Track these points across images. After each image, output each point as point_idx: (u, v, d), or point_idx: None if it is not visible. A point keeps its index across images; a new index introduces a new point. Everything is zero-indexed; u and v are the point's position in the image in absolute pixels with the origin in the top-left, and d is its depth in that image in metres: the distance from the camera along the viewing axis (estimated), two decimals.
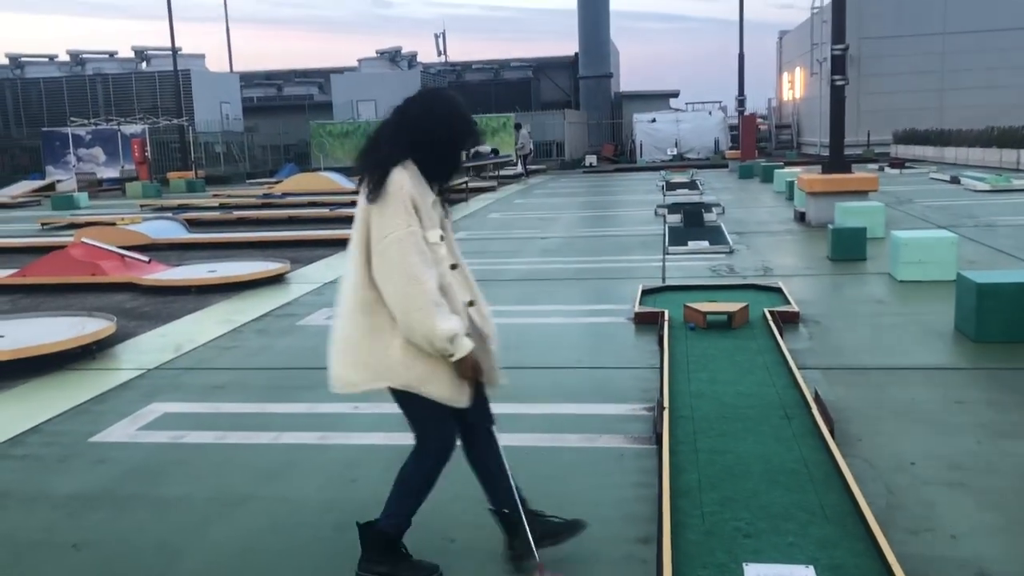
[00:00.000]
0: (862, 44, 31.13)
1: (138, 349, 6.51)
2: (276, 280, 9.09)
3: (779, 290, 7.28)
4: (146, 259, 9.55)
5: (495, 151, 28.70)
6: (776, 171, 18.50)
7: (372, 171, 2.77)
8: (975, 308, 5.63)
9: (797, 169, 18.87)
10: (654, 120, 36.45)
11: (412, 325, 2.68)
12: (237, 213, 16.38)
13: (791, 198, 15.33)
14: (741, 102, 28.00)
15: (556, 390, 5.10)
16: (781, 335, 5.84)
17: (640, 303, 6.97)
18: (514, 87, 42.78)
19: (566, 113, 35.91)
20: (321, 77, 44.27)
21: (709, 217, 12.31)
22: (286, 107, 42.59)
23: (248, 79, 44.77)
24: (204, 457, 4.30)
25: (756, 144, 27.00)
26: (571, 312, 7.17)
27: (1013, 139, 21.12)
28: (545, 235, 12.16)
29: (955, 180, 17.36)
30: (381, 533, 2.95)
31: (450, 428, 2.93)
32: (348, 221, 12.48)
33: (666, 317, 6.34)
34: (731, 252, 9.81)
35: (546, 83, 44.61)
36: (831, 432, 4.03)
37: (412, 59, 41.65)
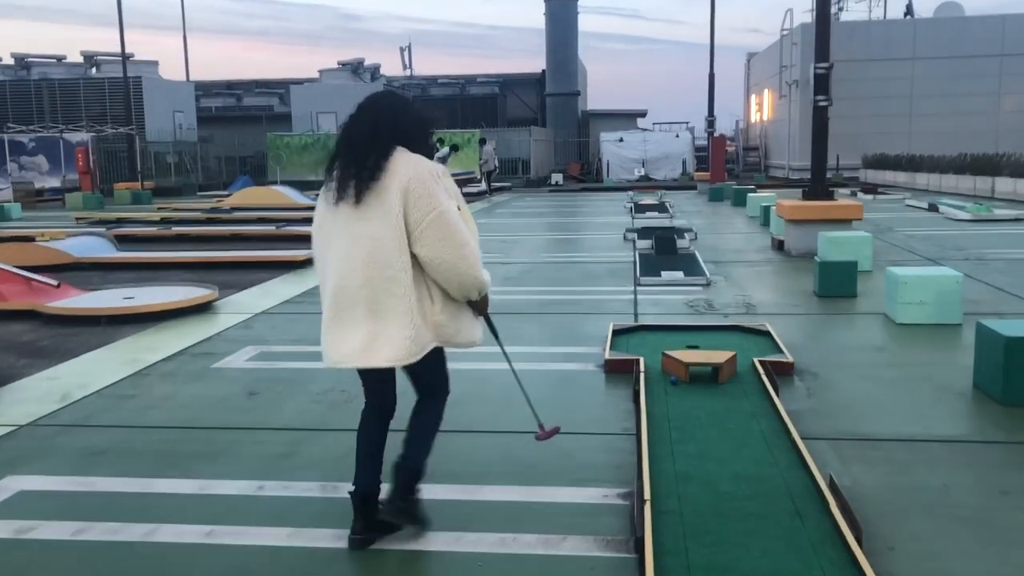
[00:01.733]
0: (832, 66, 30.77)
1: (16, 397, 5.47)
2: (202, 309, 8.07)
3: (767, 334, 6.43)
4: (55, 283, 8.47)
5: (455, 147, 27.77)
6: (749, 195, 17.80)
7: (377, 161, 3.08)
8: (1003, 366, 4.81)
9: (770, 193, 18.22)
10: (621, 139, 35.84)
11: (466, 280, 3.15)
12: (176, 229, 15.26)
13: (766, 224, 14.62)
14: (711, 123, 27.42)
15: (510, 466, 4.17)
16: (777, 393, 4.97)
17: (611, 347, 6.08)
18: (480, 103, 42.01)
19: (532, 130, 35.18)
20: (282, 88, 43.08)
21: (682, 243, 11.50)
22: (245, 118, 41.31)
23: (207, 88, 43.50)
24: (47, 565, 3.30)
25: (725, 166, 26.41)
26: (533, 356, 6.24)
27: (987, 166, 20.68)
28: (508, 260, 11.25)
29: (933, 208, 16.78)
30: (415, 472, 3.38)
31: None
32: (296, 240, 11.45)
33: (642, 367, 5.45)
34: (708, 284, 8.98)
35: (512, 100, 43.89)
36: (858, 540, 3.15)
37: (375, 71, 40.71)
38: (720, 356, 5.38)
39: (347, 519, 3.44)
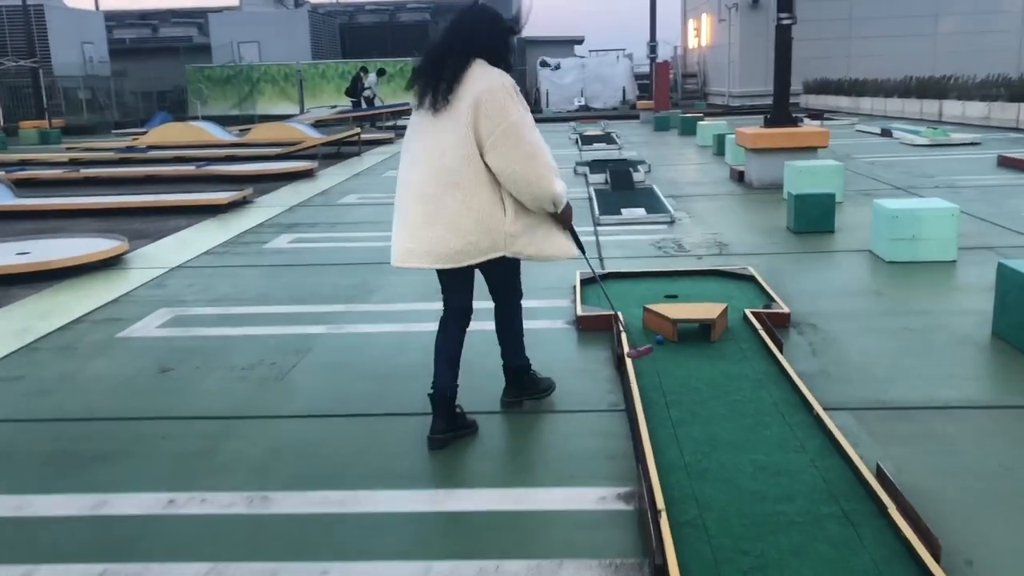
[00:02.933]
0: None
1: None
2: (108, 264, 7.08)
3: (752, 278, 5.76)
4: None
5: (381, 71, 26.45)
6: (699, 123, 17.09)
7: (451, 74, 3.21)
8: None
9: (720, 121, 17.55)
10: (559, 66, 34.71)
11: (537, 191, 3.24)
12: (84, 171, 13.94)
13: (720, 153, 13.99)
14: (653, 48, 26.50)
15: (482, 461, 3.43)
16: (781, 351, 4.30)
17: (582, 300, 5.34)
18: (411, 30, 40.21)
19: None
20: (201, 17, 40.61)
21: (637, 177, 10.76)
22: (162, 50, 38.88)
23: (119, 19, 40.87)
24: None
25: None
26: (489, 313, 5.47)
27: (934, 89, 20.31)
28: None
29: (887, 133, 16.31)
30: (518, 368, 3.84)
31: None
32: (219, 181, 10.23)
33: (622, 325, 4.73)
34: (672, 222, 8.28)
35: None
36: (936, 557, 2.50)
37: None
38: (711, 310, 4.68)
39: (282, 545, 2.69)
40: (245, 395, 4.19)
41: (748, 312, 4.89)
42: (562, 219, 3.43)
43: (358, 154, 16.95)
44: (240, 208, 10.22)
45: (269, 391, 4.23)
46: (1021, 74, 21.52)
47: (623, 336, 4.50)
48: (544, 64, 34.96)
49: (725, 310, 4.70)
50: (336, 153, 16.94)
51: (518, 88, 3.26)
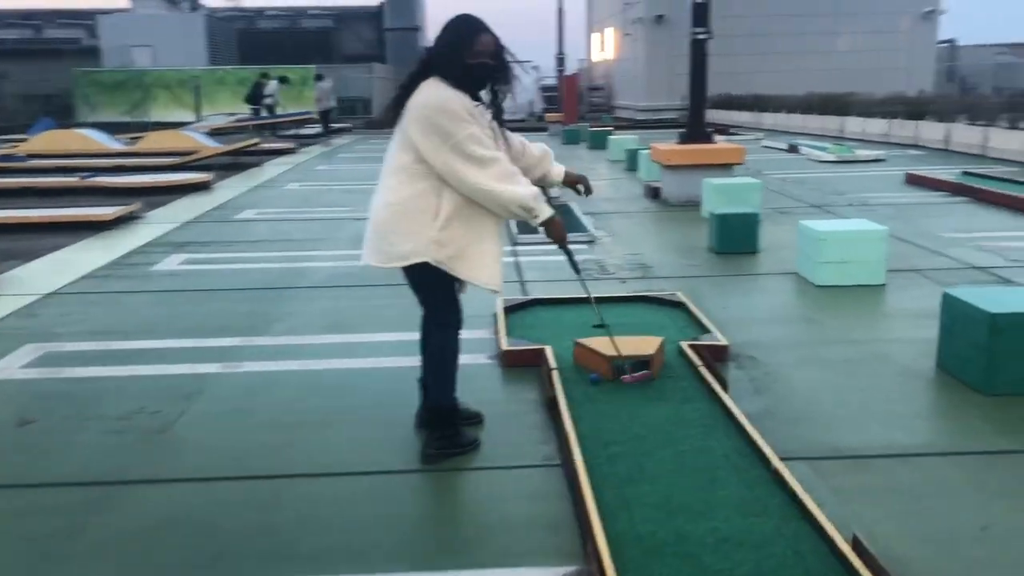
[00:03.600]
0: (673, 5, 30.41)
1: None
2: None
3: (682, 305, 5.45)
4: None
5: (283, 79, 25.46)
6: (610, 138, 16.95)
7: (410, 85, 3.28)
8: (987, 348, 3.99)
9: (630, 135, 17.47)
10: None
11: (490, 201, 3.20)
12: None
13: (632, 168, 13.82)
14: (561, 60, 26.42)
15: (392, 534, 2.95)
16: (726, 389, 3.97)
17: (506, 331, 4.92)
18: (313, 37, 39.35)
19: (374, 67, 33.13)
20: (89, 19, 38.71)
21: (552, 192, 10.38)
22: (46, 51, 36.82)
23: (0, 18, 38.62)
24: None
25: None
26: (400, 345, 4.99)
27: (835, 106, 20.74)
28: (357, 214, 9.85)
29: (794, 149, 16.48)
30: (441, 409, 3.49)
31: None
32: (105, 194, 9.22)
33: (552, 362, 4.32)
34: (592, 242, 7.96)
35: (349, 35, 41.42)
36: None
37: (194, 1, 37.18)
38: (648, 344, 4.32)
39: None
40: (122, 453, 3.61)
41: (685, 345, 4.56)
42: (553, 236, 3.41)
43: (258, 165, 16.16)
44: (127, 224, 9.43)
45: (151, 447, 3.66)
46: (919, 92, 22.24)
47: (554, 375, 4.11)
48: None
49: (662, 345, 4.35)
50: (234, 164, 16.11)
51: (468, 106, 3.17)
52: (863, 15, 31.62)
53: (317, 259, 7.49)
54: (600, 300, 5.59)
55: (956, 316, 4.24)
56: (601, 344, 4.32)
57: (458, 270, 3.27)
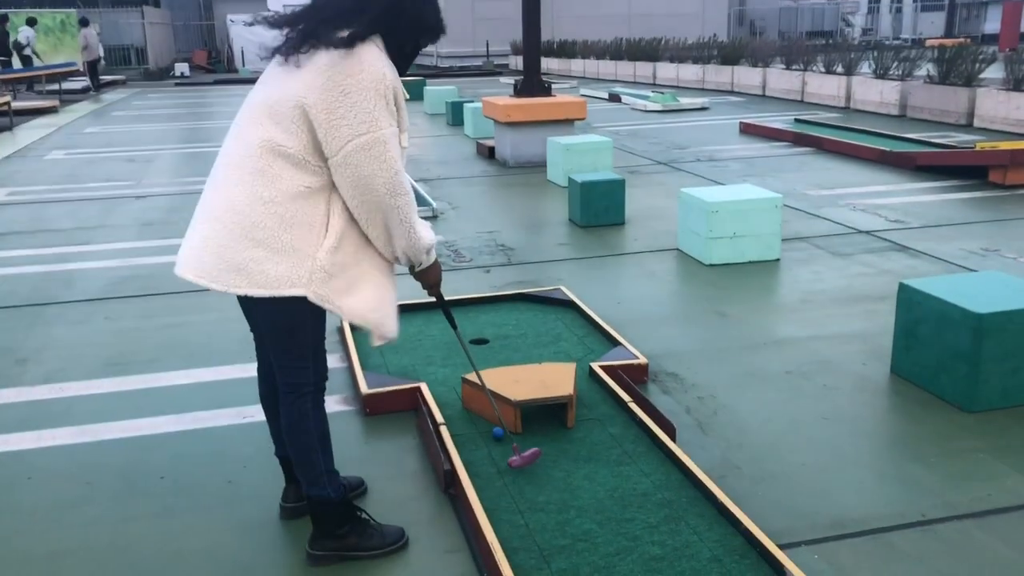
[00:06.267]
0: None
1: None
2: None
3: (571, 304, 4.45)
4: None
5: (32, 20, 22.25)
6: (425, 88, 15.65)
7: (325, 37, 2.13)
8: (969, 356, 3.25)
9: (449, 86, 16.24)
10: (252, 23, 31.54)
11: (400, 239, 2.23)
12: None
13: (456, 123, 12.71)
14: None
15: None
16: (673, 437, 3.00)
17: (357, 353, 3.73)
18: None
19: (146, 11, 29.70)
20: None
21: None
22: None
23: None
24: None
25: None
26: (217, 390, 3.68)
27: (646, 52, 20.40)
28: (142, 190, 8.13)
29: (615, 98, 15.84)
30: (321, 502, 2.43)
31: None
32: None
33: (435, 410, 3.19)
34: (435, 217, 6.80)
35: None
36: None
37: None
38: (559, 380, 3.27)
39: None
40: None
41: (597, 368, 3.56)
42: (429, 281, 2.49)
43: (9, 129, 13.61)
44: None
45: None
46: (733, 38, 22.34)
47: (446, 436, 2.98)
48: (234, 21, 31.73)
49: (573, 380, 3.31)
50: None
51: (399, 88, 2.21)
52: None
53: (90, 257, 5.88)
54: (471, 303, 4.54)
55: (922, 315, 3.48)
56: (499, 381, 3.23)
57: (345, 310, 2.22)
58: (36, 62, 21.17)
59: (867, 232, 5.98)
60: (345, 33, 2.14)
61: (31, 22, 22.54)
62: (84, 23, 22.64)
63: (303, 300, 2.17)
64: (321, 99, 2.10)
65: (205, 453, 3.14)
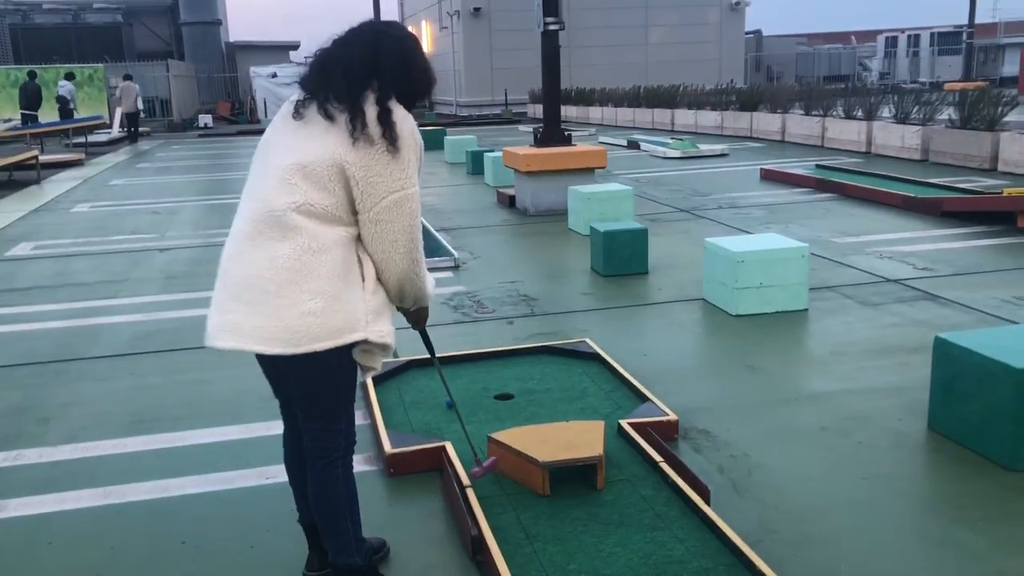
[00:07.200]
0: None
1: None
2: None
3: (598, 357, 4.38)
4: None
5: (70, 76, 22.83)
6: (446, 137, 15.79)
7: (353, 104, 2.19)
8: (1013, 413, 3.15)
9: (468, 136, 16.37)
10: (275, 75, 32.13)
11: (412, 288, 2.32)
12: None
13: (475, 172, 12.76)
14: None
15: None
16: (707, 500, 2.91)
17: (380, 411, 3.67)
18: (101, 33, 35.70)
19: (171, 64, 30.28)
20: None
21: None
22: None
23: None
24: None
25: None
26: (240, 449, 3.64)
27: (664, 99, 20.52)
28: (166, 242, 8.18)
29: (634, 145, 15.90)
30: (348, 570, 2.42)
31: None
32: None
33: (460, 471, 3.12)
34: (457, 267, 6.78)
35: (141, 30, 37.98)
36: None
37: None
38: (587, 440, 3.20)
39: None
40: None
41: (626, 425, 3.49)
42: (420, 319, 2.56)
43: (37, 182, 13.81)
44: None
45: None
46: (750, 83, 22.44)
47: (473, 500, 2.91)
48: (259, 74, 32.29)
49: (602, 442, 3.23)
50: (8, 181, 13.72)
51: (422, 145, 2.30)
52: (673, 7, 32.08)
53: (115, 311, 5.89)
54: (496, 356, 4.48)
55: (960, 370, 3.39)
56: (524, 440, 3.16)
57: (389, 346, 2.33)
58: (77, 116, 21.61)
59: (896, 281, 5.89)
60: (371, 95, 2.20)
61: (70, 76, 23.08)
62: (127, 78, 23.07)
63: (347, 352, 2.22)
64: (359, 158, 2.14)
65: (228, 516, 3.08)
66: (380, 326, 2.25)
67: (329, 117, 2.19)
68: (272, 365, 2.31)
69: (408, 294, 2.33)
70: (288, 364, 2.21)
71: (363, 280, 2.23)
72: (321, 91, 2.23)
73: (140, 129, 23.42)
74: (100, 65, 27.27)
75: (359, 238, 2.24)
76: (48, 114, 22.05)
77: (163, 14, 38.06)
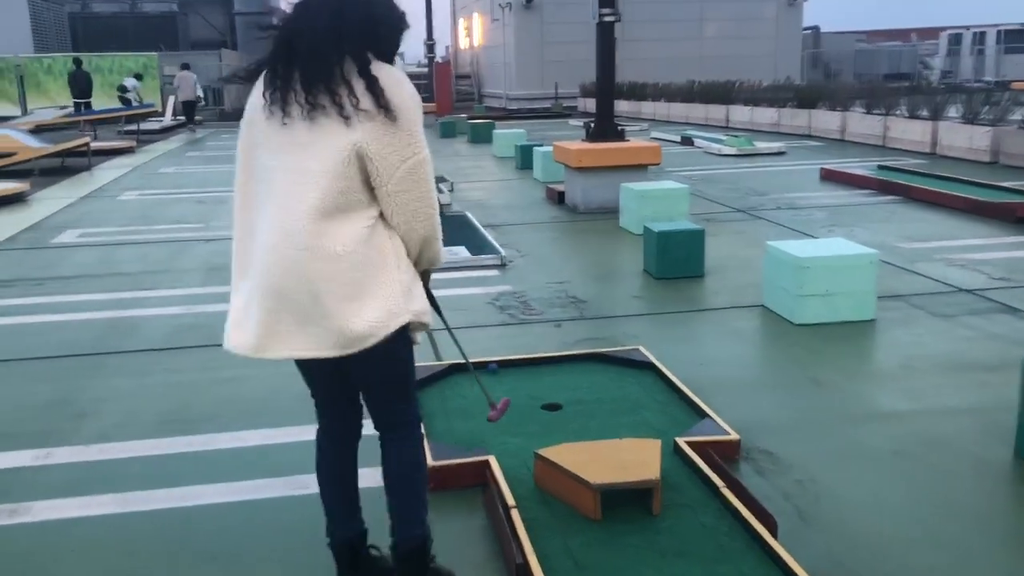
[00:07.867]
0: None
1: None
2: None
3: (651, 366, 4.14)
4: None
5: (139, 76, 23.29)
6: (494, 131, 15.57)
7: (333, 84, 2.04)
8: None
9: (517, 129, 16.15)
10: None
11: (430, 251, 2.27)
12: None
13: (524, 167, 12.52)
14: (431, 47, 24.85)
15: None
16: (774, 532, 2.67)
17: (425, 430, 3.47)
18: (156, 23, 36.22)
19: (223, 54, 30.54)
20: None
21: (443, 199, 8.97)
22: None
23: None
24: None
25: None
26: (271, 455, 3.47)
27: (718, 94, 20.08)
28: (209, 233, 8.10)
29: (688, 141, 15.53)
30: (425, 540, 2.40)
31: None
32: None
33: (505, 489, 2.91)
34: (504, 265, 6.57)
35: (196, 20, 38.41)
36: None
37: None
38: (643, 461, 2.96)
39: None
40: None
41: (683, 443, 3.25)
42: (428, 279, 2.41)
43: (88, 169, 13.91)
44: None
45: None
46: (807, 80, 21.89)
47: (517, 522, 2.70)
48: None
49: (659, 453, 3.00)
50: (61, 169, 13.83)
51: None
52: (730, 1, 31.46)
53: (154, 303, 5.78)
54: (542, 362, 4.26)
55: None
56: (576, 459, 2.94)
57: (429, 324, 2.29)
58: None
59: (969, 291, 5.54)
60: (351, 65, 2.07)
61: (138, 77, 23.66)
62: (185, 67, 23.33)
63: (404, 330, 2.17)
64: (364, 133, 2.04)
65: (255, 527, 2.91)
66: (416, 305, 2.19)
67: (316, 106, 2.05)
68: (328, 365, 2.17)
69: (424, 257, 2.28)
70: (346, 361, 2.14)
71: (395, 259, 2.15)
72: (297, 83, 2.08)
73: (181, 119, 23.68)
74: (154, 54, 27.58)
75: (382, 216, 2.15)
76: (104, 101, 22.37)
77: (218, 4, 38.45)
